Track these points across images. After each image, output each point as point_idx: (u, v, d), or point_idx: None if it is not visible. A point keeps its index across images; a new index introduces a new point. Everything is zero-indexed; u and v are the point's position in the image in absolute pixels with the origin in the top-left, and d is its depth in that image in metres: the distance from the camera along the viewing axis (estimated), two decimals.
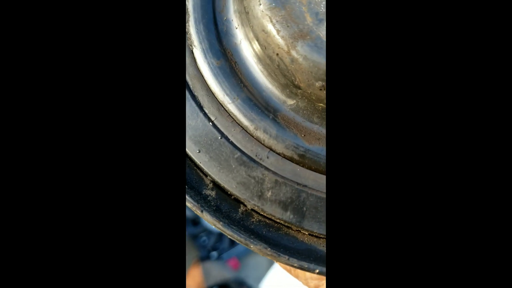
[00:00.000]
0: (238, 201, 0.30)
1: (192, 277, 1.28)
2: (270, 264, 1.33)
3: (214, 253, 1.37)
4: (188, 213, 1.38)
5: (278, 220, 0.29)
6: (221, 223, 0.27)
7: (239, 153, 0.29)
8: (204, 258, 1.36)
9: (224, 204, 0.30)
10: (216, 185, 0.30)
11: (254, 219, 0.30)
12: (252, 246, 0.27)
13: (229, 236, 0.27)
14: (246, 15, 0.29)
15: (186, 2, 0.31)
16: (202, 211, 0.28)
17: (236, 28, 0.31)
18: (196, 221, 1.39)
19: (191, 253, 1.35)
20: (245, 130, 0.30)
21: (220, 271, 1.29)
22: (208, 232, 1.39)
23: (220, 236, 1.40)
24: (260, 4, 0.28)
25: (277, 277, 1.28)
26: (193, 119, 0.29)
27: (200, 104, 0.30)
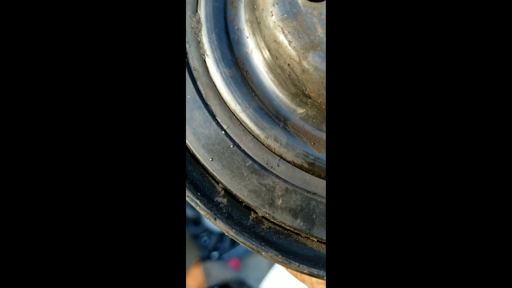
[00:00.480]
0: (249, 208, 0.30)
1: (193, 277, 1.28)
2: (271, 264, 1.33)
3: (215, 253, 1.37)
4: (189, 213, 1.38)
5: (288, 227, 0.30)
6: (233, 230, 0.28)
7: (250, 161, 0.30)
8: (205, 258, 1.36)
9: (236, 211, 0.30)
10: (228, 193, 0.30)
11: (264, 226, 0.30)
12: (263, 253, 0.28)
13: (241, 243, 0.28)
14: (257, 24, 0.30)
15: (198, 11, 0.32)
16: (215, 219, 0.28)
17: (247, 37, 0.31)
18: (197, 221, 1.40)
19: (192, 253, 1.35)
20: (257, 139, 0.30)
21: (221, 271, 1.30)
22: (209, 232, 1.39)
23: (221, 236, 1.40)
24: (272, 15, 0.28)
25: (277, 278, 1.28)
26: (206, 128, 0.30)
27: (213, 113, 0.30)
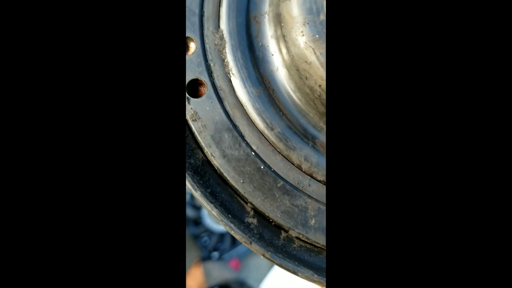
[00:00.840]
0: (279, 227, 0.30)
1: (193, 277, 1.29)
2: (271, 265, 1.34)
3: (215, 254, 1.37)
4: (189, 213, 1.38)
5: (320, 246, 0.30)
6: (268, 253, 0.28)
7: (282, 182, 0.30)
8: (205, 258, 1.36)
9: (266, 231, 0.30)
10: (257, 212, 0.30)
11: (295, 245, 0.30)
12: (300, 274, 0.28)
13: (277, 265, 0.28)
14: (284, 43, 0.30)
15: (221, 26, 0.31)
16: (251, 243, 0.28)
17: (272, 55, 0.31)
18: (197, 221, 1.40)
19: (192, 253, 1.35)
20: (286, 159, 0.30)
21: (221, 272, 1.30)
22: (210, 232, 1.39)
23: (221, 236, 1.40)
24: (303, 35, 0.28)
25: (277, 278, 1.29)
26: (235, 150, 0.30)
27: (241, 134, 0.30)
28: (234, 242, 1.41)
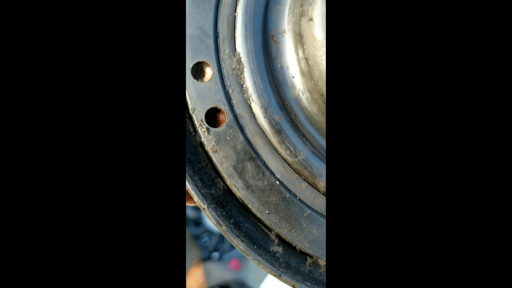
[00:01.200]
0: (304, 254, 0.30)
1: (193, 278, 1.29)
2: None
3: (216, 254, 1.37)
4: (189, 213, 1.38)
5: None
6: (298, 283, 0.28)
7: (309, 211, 0.29)
8: (206, 258, 1.36)
9: (292, 258, 0.30)
10: (282, 240, 0.30)
11: (321, 270, 0.30)
12: None
13: None
14: (307, 65, 0.28)
15: (237, 48, 0.29)
16: (280, 275, 0.28)
17: (293, 77, 0.29)
18: (198, 222, 1.40)
19: (192, 253, 1.35)
20: (312, 186, 0.29)
21: (221, 272, 1.30)
22: (210, 233, 1.39)
23: (222, 237, 1.41)
24: None
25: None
26: (259, 180, 0.29)
27: (264, 162, 0.29)
28: None
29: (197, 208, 1.40)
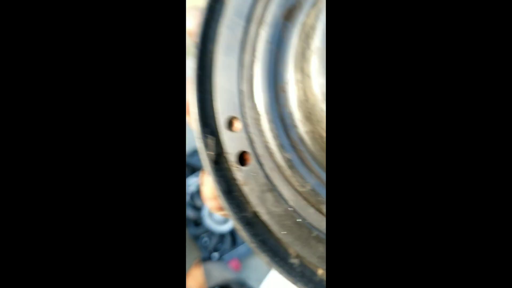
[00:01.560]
0: (316, 266, 0.35)
1: (193, 278, 1.29)
2: None
3: (216, 254, 1.38)
4: (189, 213, 1.39)
5: None
6: None
7: (316, 232, 0.34)
8: (206, 259, 1.37)
9: (307, 269, 0.35)
10: (297, 254, 0.35)
11: None
12: None
13: None
14: (308, 114, 0.32)
15: (255, 100, 0.34)
16: (295, 282, 0.33)
17: (300, 120, 0.34)
18: (198, 222, 1.40)
19: (192, 253, 1.36)
20: (319, 211, 0.34)
21: (221, 272, 1.31)
22: (210, 233, 1.39)
23: (222, 237, 1.41)
24: (323, 112, 0.30)
25: (277, 279, 1.30)
26: (277, 207, 0.35)
27: (280, 193, 0.35)
28: (234, 243, 1.41)
29: (197, 208, 1.40)
